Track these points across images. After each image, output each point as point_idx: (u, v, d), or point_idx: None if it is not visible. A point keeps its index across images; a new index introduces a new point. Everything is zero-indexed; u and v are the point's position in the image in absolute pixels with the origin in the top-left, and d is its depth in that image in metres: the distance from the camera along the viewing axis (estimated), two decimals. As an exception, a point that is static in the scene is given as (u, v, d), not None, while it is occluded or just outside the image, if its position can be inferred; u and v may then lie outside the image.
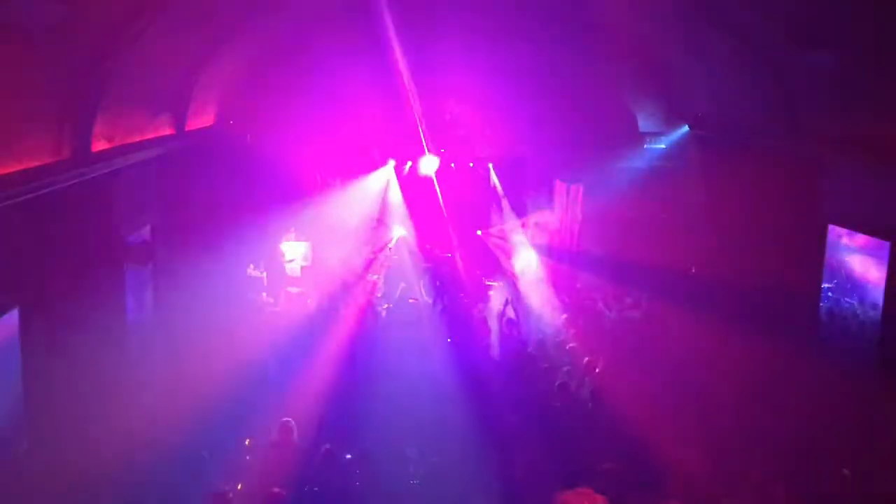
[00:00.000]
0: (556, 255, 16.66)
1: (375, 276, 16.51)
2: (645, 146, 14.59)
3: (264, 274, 15.56)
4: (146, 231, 10.33)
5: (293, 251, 15.88)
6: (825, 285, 11.86)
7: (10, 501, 7.04)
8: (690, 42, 11.02)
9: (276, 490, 7.16)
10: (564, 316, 13.67)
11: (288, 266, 15.80)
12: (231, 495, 7.19)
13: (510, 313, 13.74)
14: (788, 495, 7.14)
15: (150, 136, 9.34)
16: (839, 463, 7.58)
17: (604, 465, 7.58)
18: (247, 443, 8.66)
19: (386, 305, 15.16)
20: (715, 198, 12.94)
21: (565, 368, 10.81)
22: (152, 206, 10.52)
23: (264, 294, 15.18)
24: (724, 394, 9.45)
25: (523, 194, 17.99)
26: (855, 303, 13.27)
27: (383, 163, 18.18)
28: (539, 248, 16.79)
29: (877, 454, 7.64)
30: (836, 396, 8.83)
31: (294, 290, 15.09)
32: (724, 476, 7.77)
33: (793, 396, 9.12)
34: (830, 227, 11.07)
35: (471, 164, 19.62)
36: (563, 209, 16.79)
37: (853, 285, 13.46)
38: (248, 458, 8.46)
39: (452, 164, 19.59)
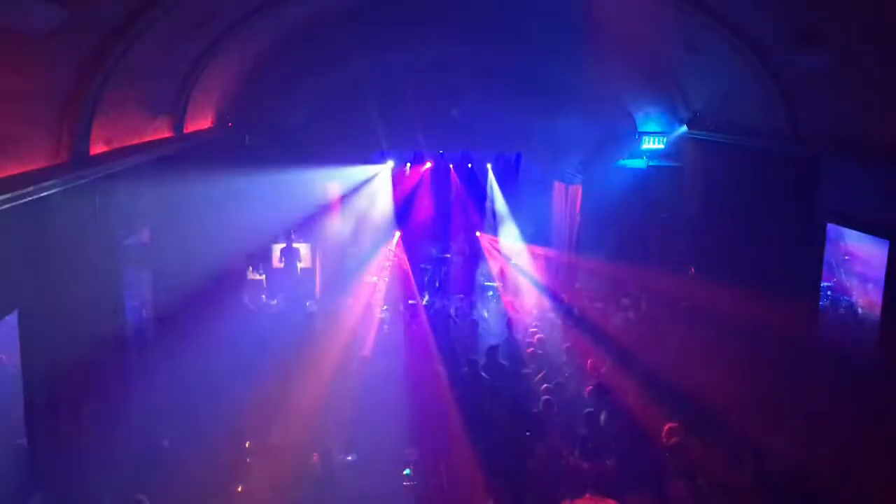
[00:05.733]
0: (554, 254, 16.70)
1: (375, 279, 16.53)
2: (643, 146, 14.60)
3: (263, 276, 15.59)
4: (145, 233, 10.34)
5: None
6: (824, 283, 11.87)
7: (11, 500, 7.07)
8: (689, 41, 11.02)
9: (274, 493, 7.17)
10: (559, 319, 13.69)
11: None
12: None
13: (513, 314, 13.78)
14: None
15: (148, 138, 9.35)
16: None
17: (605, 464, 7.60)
18: (247, 445, 8.67)
19: (385, 307, 15.17)
20: (713, 197, 12.95)
21: (565, 373, 10.80)
22: (151, 209, 10.54)
23: (263, 296, 15.20)
24: (721, 394, 9.45)
25: (522, 194, 18.04)
26: (854, 301, 13.29)
27: (382, 163, 18.21)
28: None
29: (874, 453, 7.63)
30: (835, 396, 8.82)
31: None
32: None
33: (792, 397, 9.11)
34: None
35: (469, 165, 19.68)
36: (561, 210, 16.83)
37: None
38: (248, 460, 8.48)
39: (451, 165, 19.64)
